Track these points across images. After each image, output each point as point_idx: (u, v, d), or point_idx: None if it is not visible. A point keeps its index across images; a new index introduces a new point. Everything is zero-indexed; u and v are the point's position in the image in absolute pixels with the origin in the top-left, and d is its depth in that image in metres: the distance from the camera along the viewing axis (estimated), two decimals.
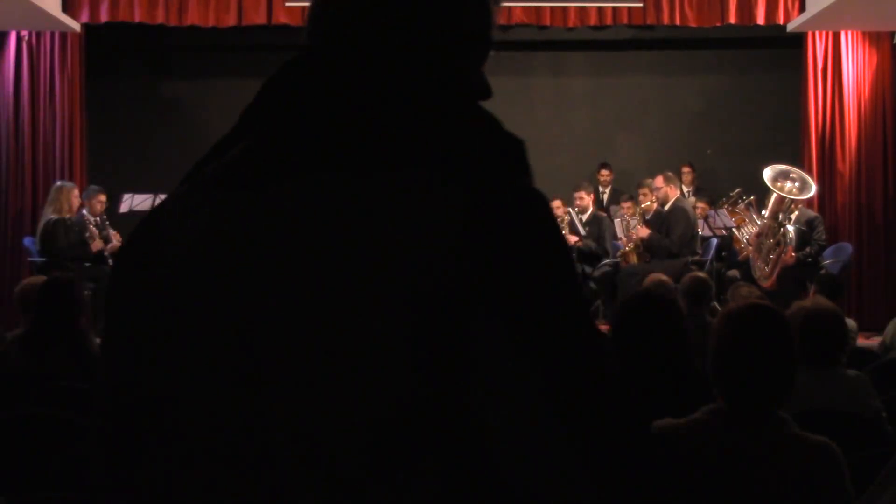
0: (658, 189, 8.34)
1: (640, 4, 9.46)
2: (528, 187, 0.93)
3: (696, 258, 8.30)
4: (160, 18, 9.38)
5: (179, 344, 0.95)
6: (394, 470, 0.87)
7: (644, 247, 8.40)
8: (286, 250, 0.91)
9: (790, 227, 8.11)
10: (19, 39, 9.47)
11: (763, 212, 8.33)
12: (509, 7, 9.52)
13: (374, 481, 0.87)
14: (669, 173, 8.57)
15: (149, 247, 1.01)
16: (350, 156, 0.93)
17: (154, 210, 1.05)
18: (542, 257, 0.90)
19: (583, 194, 9.30)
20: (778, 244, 8.09)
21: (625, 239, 8.70)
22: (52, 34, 9.47)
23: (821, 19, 9.00)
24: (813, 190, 8.37)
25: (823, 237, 8.42)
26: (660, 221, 8.35)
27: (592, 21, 9.61)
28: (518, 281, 0.87)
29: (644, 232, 8.34)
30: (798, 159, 9.40)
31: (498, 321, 0.86)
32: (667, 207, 8.30)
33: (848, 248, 8.74)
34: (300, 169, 0.94)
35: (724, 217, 8.66)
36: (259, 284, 0.91)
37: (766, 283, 7.90)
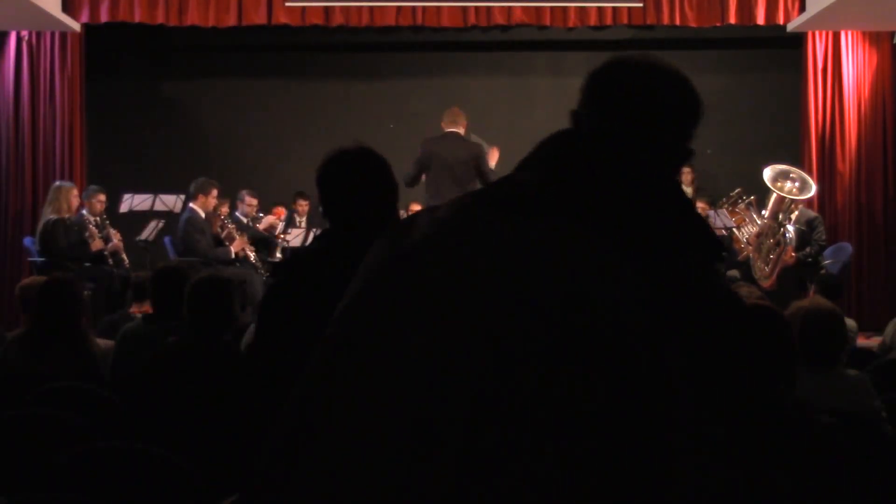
0: None
1: (640, 4, 9.45)
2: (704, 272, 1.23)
3: None
4: (160, 18, 9.37)
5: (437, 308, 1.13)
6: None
7: None
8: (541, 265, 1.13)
9: (790, 227, 8.11)
10: (19, 39, 9.47)
11: (763, 212, 8.33)
12: (509, 7, 9.52)
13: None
14: None
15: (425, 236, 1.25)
16: (593, 210, 1.22)
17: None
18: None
19: None
20: (778, 244, 8.08)
21: None
22: (52, 34, 9.47)
23: (821, 19, 9.00)
24: (813, 190, 8.37)
25: (823, 237, 8.41)
26: None
27: (592, 21, 9.60)
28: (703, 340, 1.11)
29: None
30: (798, 159, 9.39)
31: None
32: None
33: (848, 248, 8.74)
34: (556, 211, 1.21)
35: (724, 217, 8.66)
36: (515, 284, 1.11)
37: (766, 283, 7.90)
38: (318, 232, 2.39)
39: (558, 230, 1.16)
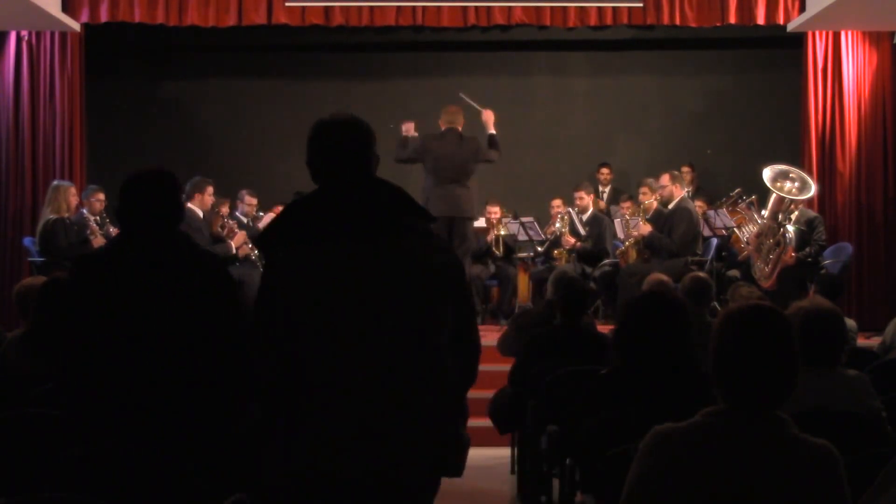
0: (663, 187, 8.29)
1: (640, 4, 9.45)
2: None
3: (697, 258, 8.28)
4: (160, 18, 9.37)
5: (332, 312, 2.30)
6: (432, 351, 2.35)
7: (644, 244, 8.37)
8: (385, 269, 2.31)
9: (790, 228, 8.10)
10: (19, 39, 9.47)
11: (763, 212, 8.32)
12: (509, 7, 9.51)
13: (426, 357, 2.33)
14: (676, 172, 8.55)
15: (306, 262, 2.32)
16: (383, 230, 2.34)
17: (302, 248, 2.33)
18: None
19: (583, 194, 9.29)
20: (778, 244, 8.08)
21: (625, 236, 8.66)
22: (52, 34, 9.46)
23: (821, 19, 9.00)
24: (812, 190, 8.35)
25: (823, 237, 8.41)
26: (661, 221, 8.32)
27: (592, 21, 9.60)
28: (461, 283, 2.46)
29: (646, 229, 8.30)
30: (798, 159, 9.39)
31: (444, 300, 2.37)
32: (670, 206, 8.26)
33: (848, 248, 8.73)
34: (373, 233, 2.33)
35: (724, 217, 8.65)
36: (374, 283, 2.30)
37: (766, 283, 7.90)
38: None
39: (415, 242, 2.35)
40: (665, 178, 8.29)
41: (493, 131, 8.03)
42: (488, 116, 8.11)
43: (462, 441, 2.44)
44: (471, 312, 2.49)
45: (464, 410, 2.48)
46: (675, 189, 8.25)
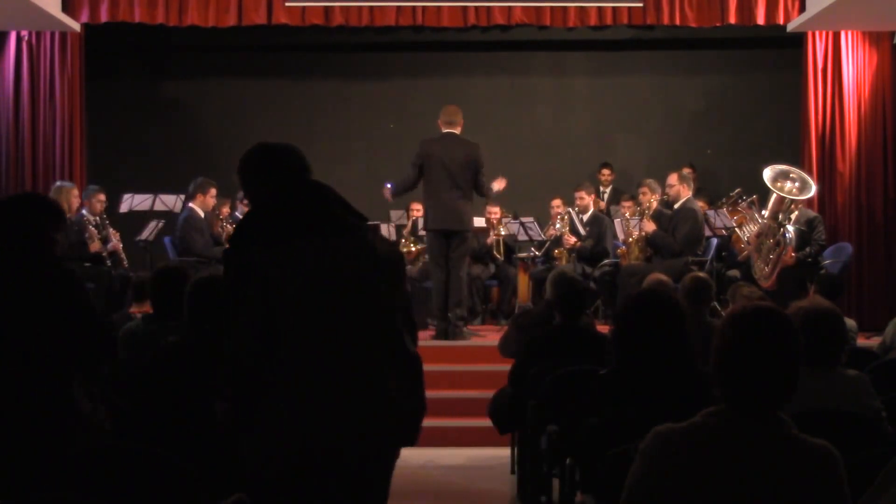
0: (671, 186, 8.29)
1: (640, 4, 9.45)
2: None
3: (697, 258, 8.27)
4: (160, 18, 9.37)
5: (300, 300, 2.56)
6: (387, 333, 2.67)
7: (647, 241, 8.36)
8: (347, 261, 2.64)
9: (790, 228, 8.10)
10: (19, 39, 9.47)
11: (763, 211, 8.32)
12: (509, 7, 9.51)
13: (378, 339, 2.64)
14: (684, 172, 8.58)
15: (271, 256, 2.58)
16: (341, 227, 2.67)
17: (270, 246, 2.59)
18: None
19: (583, 194, 9.29)
20: (778, 244, 8.08)
21: (625, 236, 8.65)
22: (52, 34, 9.47)
23: (821, 19, 9.00)
24: (813, 190, 8.36)
25: (823, 237, 8.41)
26: (665, 220, 8.32)
27: (592, 21, 9.60)
28: (404, 270, 2.86)
29: (650, 226, 8.30)
30: (798, 159, 9.39)
31: (395, 285, 2.71)
32: (676, 206, 8.27)
33: (848, 248, 8.73)
34: (330, 231, 2.65)
35: (724, 217, 8.66)
36: (340, 274, 2.61)
37: (766, 283, 7.90)
38: None
39: (352, 241, 2.66)
40: (673, 178, 8.31)
41: (491, 187, 7.78)
42: (499, 184, 7.87)
43: (421, 412, 2.71)
44: (409, 296, 2.85)
45: (422, 384, 2.73)
46: (682, 189, 8.26)
